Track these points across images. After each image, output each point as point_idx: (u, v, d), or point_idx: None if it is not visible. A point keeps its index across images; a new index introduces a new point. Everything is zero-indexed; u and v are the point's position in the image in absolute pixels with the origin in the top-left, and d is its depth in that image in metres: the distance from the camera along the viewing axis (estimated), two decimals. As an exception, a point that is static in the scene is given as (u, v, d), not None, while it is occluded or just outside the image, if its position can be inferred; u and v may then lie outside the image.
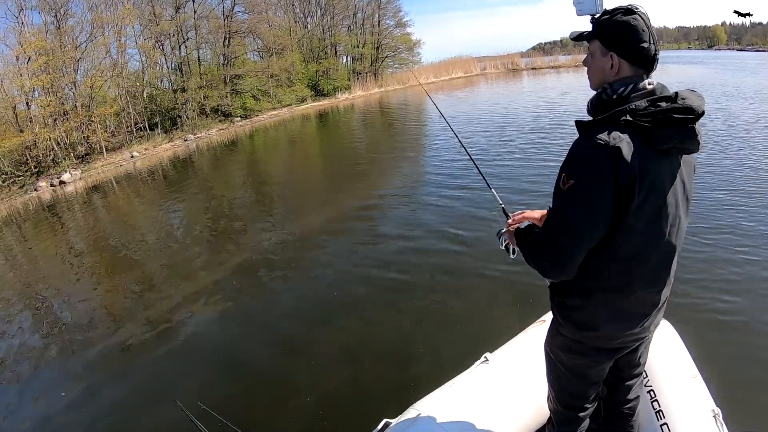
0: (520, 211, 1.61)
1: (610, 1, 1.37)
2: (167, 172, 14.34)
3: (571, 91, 19.74)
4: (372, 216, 6.79)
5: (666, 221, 1.25)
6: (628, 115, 1.16)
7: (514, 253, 1.59)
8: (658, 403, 1.80)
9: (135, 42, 22.96)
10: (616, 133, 1.14)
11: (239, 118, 25.17)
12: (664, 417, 1.75)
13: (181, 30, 24.54)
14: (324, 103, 29.62)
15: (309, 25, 34.24)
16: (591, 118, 1.26)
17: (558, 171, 1.22)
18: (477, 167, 2.19)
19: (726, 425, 1.70)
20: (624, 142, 1.13)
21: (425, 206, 6.74)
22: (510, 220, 1.59)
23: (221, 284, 5.15)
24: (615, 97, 1.24)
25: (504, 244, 1.62)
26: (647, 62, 1.23)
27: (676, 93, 1.21)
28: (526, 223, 1.50)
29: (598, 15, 1.31)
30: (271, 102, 27.74)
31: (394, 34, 38.20)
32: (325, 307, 4.31)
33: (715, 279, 3.82)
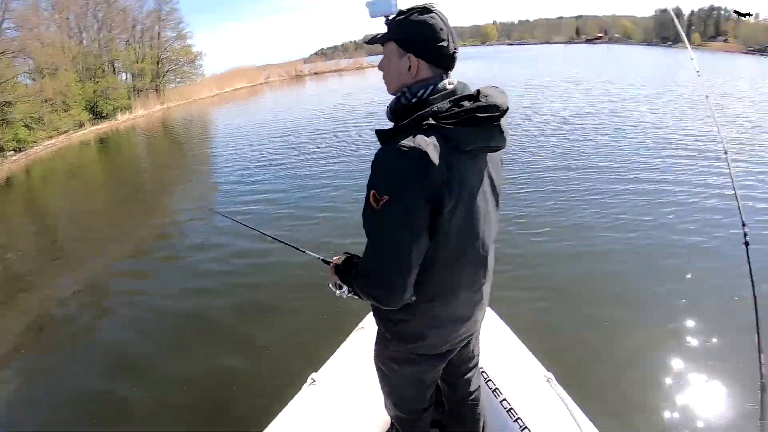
0: (338, 257, 1.46)
1: (406, 1, 1.27)
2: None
3: (354, 92, 21.73)
4: (164, 245, 6.49)
5: (478, 221, 1.23)
6: (430, 118, 1.11)
7: (347, 293, 1.44)
8: (493, 382, 1.88)
9: None
10: (420, 138, 1.07)
11: (12, 152, 22.04)
12: (502, 394, 1.83)
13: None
14: (104, 126, 27.85)
15: (85, 41, 31.47)
16: (392, 125, 1.20)
17: (360, 185, 1.85)
18: (283, 242, 2.09)
19: (560, 386, 1.83)
20: (431, 146, 1.07)
21: (219, 228, 6.38)
22: (331, 264, 1.45)
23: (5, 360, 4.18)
24: (415, 100, 1.19)
25: (336, 289, 1.47)
26: (446, 61, 1.20)
27: (479, 91, 1.19)
28: (343, 257, 1.38)
29: (393, 16, 1.25)
30: (47, 130, 24.94)
31: (175, 47, 37.29)
32: (124, 357, 3.80)
33: (521, 259, 4.37)
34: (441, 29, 1.17)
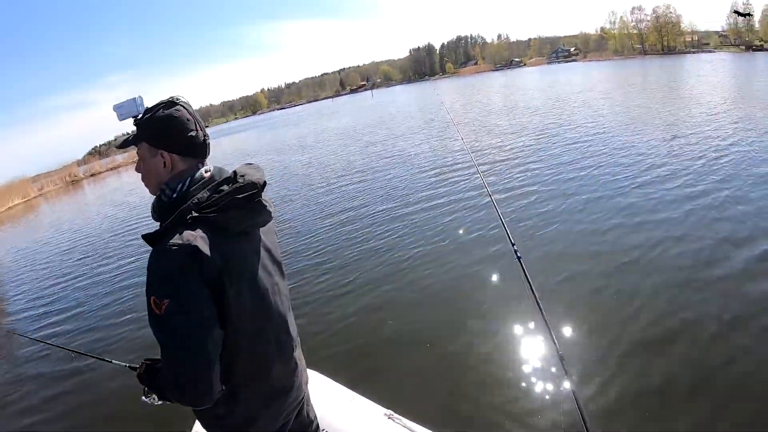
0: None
1: (152, 98, 1.28)
2: None
3: (135, 189, 20.06)
4: None
5: (267, 295, 1.27)
6: (193, 211, 1.13)
7: (158, 400, 1.35)
8: None
9: None
10: (187, 233, 1.09)
11: None
12: None
13: None
14: None
15: None
16: (158, 226, 1.17)
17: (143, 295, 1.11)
18: (87, 354, 1.99)
19: (403, 418, 1.94)
20: (198, 239, 1.09)
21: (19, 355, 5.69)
22: (136, 373, 1.35)
23: None
24: (175, 195, 1.20)
25: (147, 397, 1.36)
26: (199, 150, 1.24)
27: (235, 172, 1.25)
28: (143, 366, 1.30)
29: (141, 115, 1.25)
30: None
31: None
32: None
33: (323, 311, 4.63)
34: (188, 120, 1.22)
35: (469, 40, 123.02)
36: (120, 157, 48.51)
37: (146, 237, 1.15)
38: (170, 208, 1.18)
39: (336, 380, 2.23)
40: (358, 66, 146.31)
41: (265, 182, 1.25)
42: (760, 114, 11.09)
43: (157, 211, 1.23)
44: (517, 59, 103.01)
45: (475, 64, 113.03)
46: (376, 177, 10.95)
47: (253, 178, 1.23)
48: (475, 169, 3.11)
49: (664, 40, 71.38)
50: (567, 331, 3.53)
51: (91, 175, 40.95)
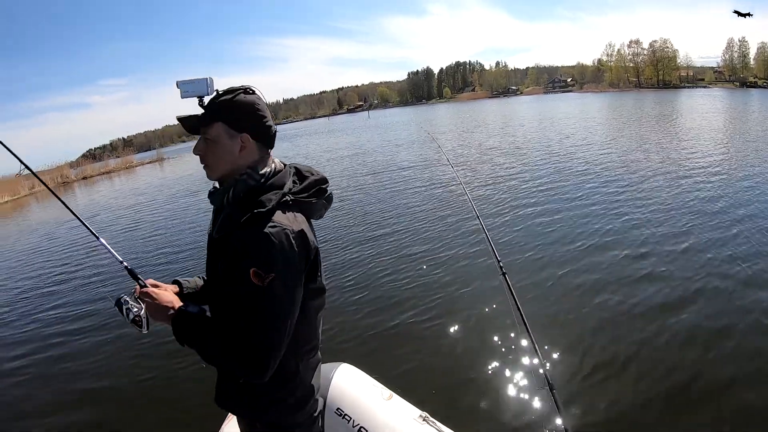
0: (151, 280, 1.37)
1: (219, 82, 1.31)
2: None
3: (124, 196, 20.14)
4: None
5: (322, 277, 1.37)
6: (289, 197, 1.21)
7: (147, 326, 1.29)
8: None
9: None
10: (290, 215, 1.18)
11: None
12: None
13: None
14: None
15: None
16: (243, 206, 1.17)
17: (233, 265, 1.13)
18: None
19: (438, 422, 1.92)
20: (303, 223, 1.20)
21: None
22: (146, 288, 1.32)
23: None
24: (263, 181, 1.22)
25: (132, 316, 1.27)
26: (272, 140, 1.28)
27: (296, 167, 1.34)
28: (192, 308, 1.26)
29: (209, 97, 1.25)
30: None
31: None
32: None
33: (371, 311, 4.56)
34: (266, 110, 1.26)
35: (467, 66, 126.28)
36: (113, 162, 47.53)
37: (255, 215, 1.13)
38: (256, 193, 1.20)
39: (370, 374, 2.22)
40: (357, 86, 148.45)
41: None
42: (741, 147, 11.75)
43: (242, 193, 1.22)
44: (514, 87, 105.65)
45: (473, 90, 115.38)
46: (365, 190, 11.11)
47: (320, 174, 1.34)
48: (462, 189, 3.23)
49: (659, 74, 73.19)
50: (553, 349, 3.51)
51: (83, 178, 39.83)
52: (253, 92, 1.24)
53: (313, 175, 1.32)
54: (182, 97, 1.30)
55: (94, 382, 4.25)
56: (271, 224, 1.13)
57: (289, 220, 1.16)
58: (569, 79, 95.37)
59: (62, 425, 3.67)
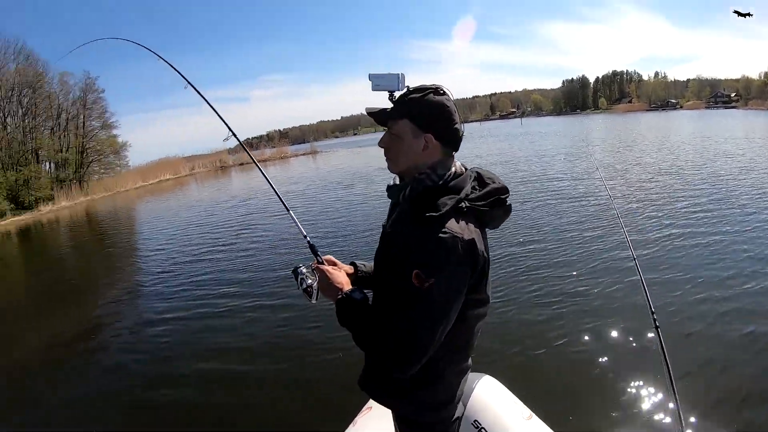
0: (329, 256, 1.49)
1: (410, 79, 1.31)
2: None
3: (281, 183, 21.34)
4: (96, 338, 6.06)
5: (489, 287, 1.31)
6: (466, 202, 1.17)
7: (316, 298, 1.40)
8: None
9: None
10: (465, 224, 1.14)
11: None
12: None
13: None
14: (26, 217, 26.16)
15: (9, 126, 30.37)
16: (418, 206, 1.17)
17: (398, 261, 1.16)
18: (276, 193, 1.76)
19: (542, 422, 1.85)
20: (474, 232, 1.16)
21: (153, 322, 6.22)
22: (322, 265, 1.41)
23: None
24: (441, 183, 1.22)
25: (305, 285, 1.40)
26: (458, 143, 1.26)
27: (478, 173, 1.29)
28: (358, 294, 1.29)
29: (400, 93, 1.27)
30: None
31: (100, 137, 35.85)
32: None
33: (517, 326, 4.50)
34: (455, 112, 1.22)
35: (624, 75, 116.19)
36: (269, 151, 50.41)
37: (430, 216, 1.14)
38: (432, 193, 1.19)
39: (512, 390, 2.13)
40: (510, 92, 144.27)
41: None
42: None
43: (418, 191, 1.23)
44: (673, 100, 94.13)
45: (630, 101, 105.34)
46: (515, 200, 9.75)
47: (502, 182, 1.28)
48: (616, 214, 3.09)
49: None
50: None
51: (240, 164, 42.12)
52: (444, 93, 1.22)
53: (494, 183, 1.26)
54: (373, 90, 1.30)
55: (244, 341, 4.97)
56: (442, 230, 1.11)
57: (461, 228, 1.13)
58: (733, 94, 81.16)
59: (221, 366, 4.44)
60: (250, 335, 5.10)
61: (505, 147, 28.94)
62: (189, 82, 2.03)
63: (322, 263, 1.44)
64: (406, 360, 1.14)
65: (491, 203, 1.22)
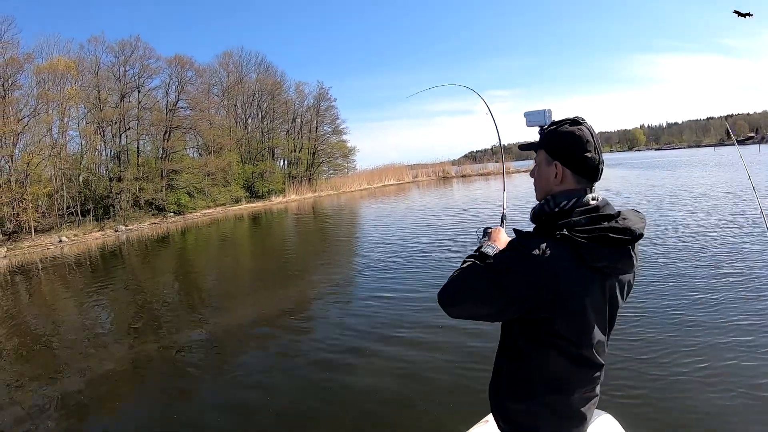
0: (498, 227, 1.62)
1: (559, 113, 1.39)
2: (95, 261, 14.07)
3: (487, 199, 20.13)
4: (306, 317, 6.62)
5: (591, 330, 1.24)
6: (564, 230, 1.17)
7: (480, 241, 1.56)
8: None
9: (77, 124, 23.62)
10: (543, 246, 1.16)
11: (172, 214, 24.24)
12: None
13: (124, 118, 24.28)
14: (258, 204, 29.47)
15: (249, 127, 35.24)
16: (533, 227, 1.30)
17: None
18: None
19: None
20: (556, 261, 1.15)
21: (358, 307, 6.67)
22: (497, 229, 1.59)
23: (143, 384, 4.90)
24: (557, 210, 1.25)
25: (480, 241, 1.55)
26: (591, 172, 1.27)
27: (619, 212, 1.23)
28: (491, 250, 1.37)
29: (546, 126, 1.36)
30: (206, 200, 27.07)
31: (331, 141, 40.01)
32: (253, 419, 3.92)
33: (639, 367, 3.96)
34: (587, 141, 1.25)
35: None
36: (492, 165, 49.91)
37: (517, 231, 1.30)
38: (548, 219, 1.27)
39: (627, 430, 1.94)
40: (748, 114, 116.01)
41: (641, 234, 1.19)
42: None
43: (537, 216, 1.33)
44: None
45: None
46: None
47: (633, 225, 1.19)
48: None
49: None
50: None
51: (462, 176, 43.79)
52: (580, 123, 1.28)
53: (617, 223, 1.19)
54: (527, 126, 1.44)
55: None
56: (525, 244, 1.20)
57: (539, 249, 1.16)
58: None
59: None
60: (438, 327, 5.26)
61: (729, 177, 21.03)
62: (490, 111, 2.57)
63: (495, 228, 1.61)
64: (442, 296, 1.29)
65: (596, 239, 1.17)
